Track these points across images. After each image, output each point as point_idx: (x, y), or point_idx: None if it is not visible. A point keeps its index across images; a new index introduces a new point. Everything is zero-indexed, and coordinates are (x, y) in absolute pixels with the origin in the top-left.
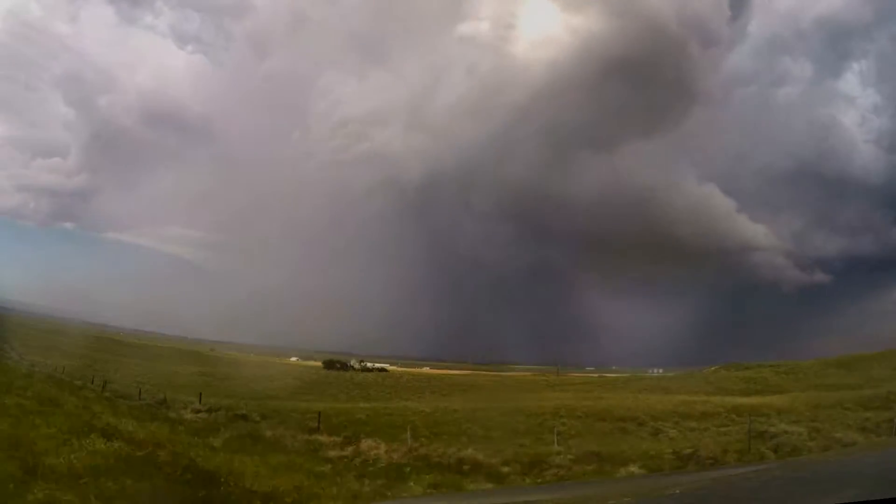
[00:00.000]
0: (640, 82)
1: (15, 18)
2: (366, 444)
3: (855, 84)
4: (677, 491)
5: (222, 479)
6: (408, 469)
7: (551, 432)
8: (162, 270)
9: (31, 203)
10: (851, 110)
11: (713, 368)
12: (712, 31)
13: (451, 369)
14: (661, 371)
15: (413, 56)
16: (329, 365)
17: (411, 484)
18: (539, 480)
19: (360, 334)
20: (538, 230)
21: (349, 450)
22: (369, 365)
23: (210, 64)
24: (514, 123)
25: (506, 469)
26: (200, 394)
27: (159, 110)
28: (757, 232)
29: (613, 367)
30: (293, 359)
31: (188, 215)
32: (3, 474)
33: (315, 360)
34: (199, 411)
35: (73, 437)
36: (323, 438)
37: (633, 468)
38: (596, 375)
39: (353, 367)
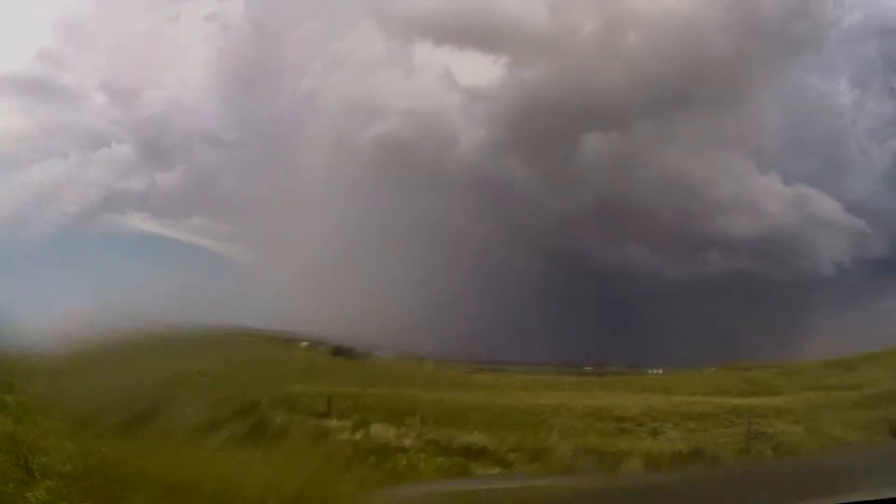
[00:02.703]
0: None
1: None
2: (375, 428)
3: None
4: (677, 491)
5: (222, 477)
6: (417, 453)
7: (551, 430)
8: (183, 260)
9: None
10: None
11: (713, 368)
12: None
13: (451, 368)
14: (660, 371)
15: None
16: (337, 352)
17: (420, 468)
18: (545, 468)
19: (369, 327)
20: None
21: (358, 434)
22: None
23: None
24: None
25: (512, 455)
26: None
27: (189, 107)
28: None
29: (613, 368)
30: (303, 344)
31: (216, 208)
32: (4, 474)
33: (324, 345)
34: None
35: (73, 435)
36: (332, 423)
37: (633, 467)
38: (597, 377)
39: (361, 354)
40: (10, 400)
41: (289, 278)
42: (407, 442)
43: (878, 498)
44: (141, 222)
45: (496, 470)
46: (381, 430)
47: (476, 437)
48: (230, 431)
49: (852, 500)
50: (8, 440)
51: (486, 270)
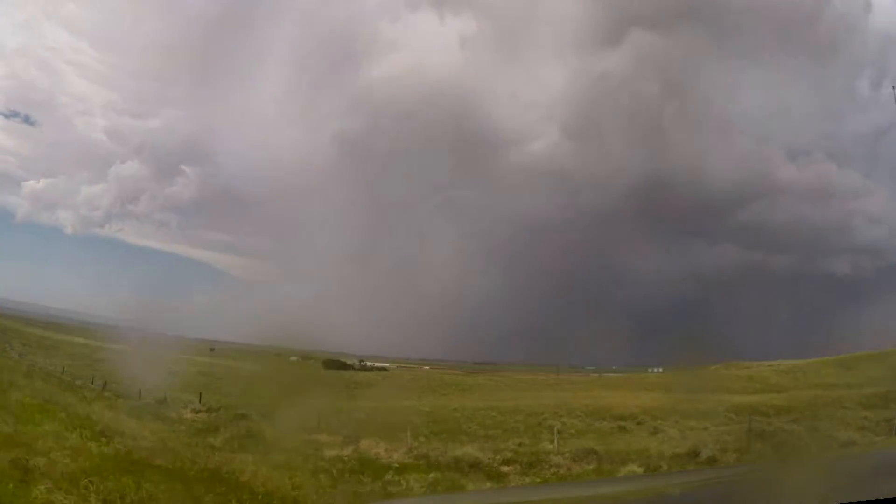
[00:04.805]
0: None
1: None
2: (365, 443)
3: None
4: (677, 491)
5: (222, 479)
6: (407, 468)
7: (550, 431)
8: (172, 272)
9: (61, 210)
10: None
11: (713, 367)
12: None
13: (451, 369)
14: (660, 370)
15: None
16: (328, 364)
17: (411, 483)
18: (538, 480)
19: (361, 334)
20: None
21: (349, 449)
22: (369, 364)
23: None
24: None
25: (505, 468)
26: (200, 393)
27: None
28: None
29: (613, 367)
30: (293, 358)
31: (215, 222)
32: (4, 473)
33: (315, 359)
34: (198, 411)
35: (73, 436)
36: (322, 438)
37: (633, 467)
38: (596, 375)
39: (352, 366)
40: (11, 399)
41: (283, 290)
42: (397, 457)
43: (878, 498)
44: (136, 236)
45: (488, 484)
46: (371, 445)
47: (468, 450)
48: (229, 434)
49: (852, 500)
50: (8, 440)
51: (486, 271)
